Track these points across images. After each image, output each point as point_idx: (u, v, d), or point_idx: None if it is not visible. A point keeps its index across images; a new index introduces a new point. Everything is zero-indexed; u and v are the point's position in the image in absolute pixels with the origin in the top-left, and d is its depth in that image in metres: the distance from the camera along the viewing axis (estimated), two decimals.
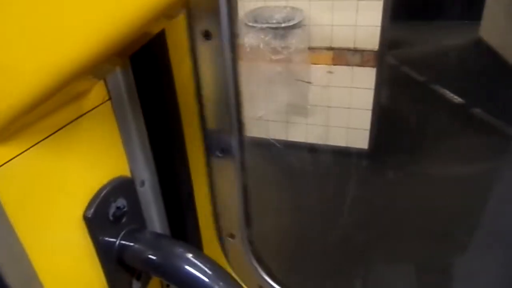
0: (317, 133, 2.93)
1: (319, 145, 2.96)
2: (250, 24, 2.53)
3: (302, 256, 2.17)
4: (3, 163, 0.35)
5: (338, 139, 2.91)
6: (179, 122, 0.54)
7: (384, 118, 2.86)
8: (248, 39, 2.57)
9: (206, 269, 0.50)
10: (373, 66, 2.67)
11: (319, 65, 2.77)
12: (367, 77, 2.70)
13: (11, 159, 0.36)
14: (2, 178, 0.35)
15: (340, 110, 2.83)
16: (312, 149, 2.98)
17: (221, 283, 0.50)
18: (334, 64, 2.73)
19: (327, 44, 2.69)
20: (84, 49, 0.29)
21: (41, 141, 0.39)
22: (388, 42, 2.61)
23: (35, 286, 0.40)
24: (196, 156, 0.57)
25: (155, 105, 0.52)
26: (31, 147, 0.38)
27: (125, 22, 0.28)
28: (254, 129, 3.03)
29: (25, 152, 0.37)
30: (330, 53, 2.72)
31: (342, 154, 2.93)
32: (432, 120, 3.15)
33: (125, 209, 0.50)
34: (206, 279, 0.49)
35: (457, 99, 3.34)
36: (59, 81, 0.31)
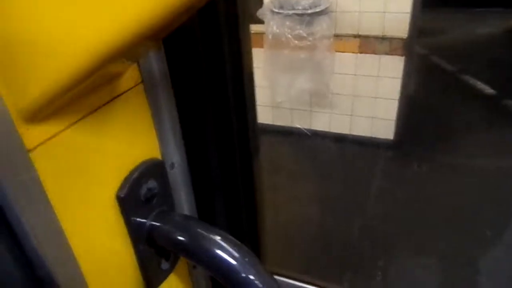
0: (341, 123, 2.90)
1: (343, 134, 2.93)
2: (276, 10, 2.50)
3: (326, 246, 2.17)
4: (41, 142, 0.36)
5: (363, 129, 2.87)
6: (210, 107, 0.54)
7: (411, 108, 2.80)
8: (273, 25, 2.54)
9: (234, 252, 0.50)
10: (401, 55, 2.60)
11: (344, 53, 2.72)
12: (394, 66, 2.64)
13: (49, 138, 0.37)
14: (41, 156, 0.36)
15: (366, 100, 2.78)
16: (335, 138, 2.95)
17: (248, 266, 0.50)
18: (361, 52, 2.67)
19: (354, 32, 2.64)
20: (121, 30, 0.30)
21: (77, 121, 0.40)
22: (418, 30, 2.53)
23: (70, 261, 0.41)
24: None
25: (187, 89, 0.52)
26: (68, 127, 0.39)
27: (165, 3, 0.28)
28: (276, 117, 3.03)
29: (62, 132, 0.38)
30: (357, 40, 2.66)
31: (366, 144, 2.89)
32: (461, 111, 3.06)
33: (155, 191, 0.51)
34: (234, 262, 0.50)
35: (488, 89, 3.22)
36: (95, 62, 0.31)
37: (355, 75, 2.74)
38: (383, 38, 2.56)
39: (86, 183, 0.42)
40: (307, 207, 2.43)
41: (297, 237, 2.23)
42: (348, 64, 2.71)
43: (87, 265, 0.43)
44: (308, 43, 2.51)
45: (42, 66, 0.32)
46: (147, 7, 0.29)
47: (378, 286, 1.96)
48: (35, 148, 0.36)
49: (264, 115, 3.00)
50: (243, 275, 0.49)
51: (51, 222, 0.38)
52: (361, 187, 2.52)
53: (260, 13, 2.53)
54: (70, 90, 0.34)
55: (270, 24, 2.52)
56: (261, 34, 2.58)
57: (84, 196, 0.42)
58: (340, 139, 2.92)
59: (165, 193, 0.54)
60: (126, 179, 0.47)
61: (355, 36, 2.63)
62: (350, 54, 2.69)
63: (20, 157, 0.34)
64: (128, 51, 0.34)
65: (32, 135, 0.35)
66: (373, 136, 2.86)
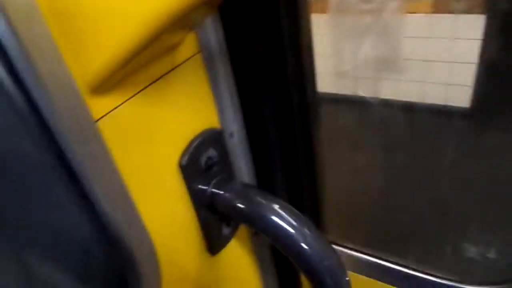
0: (412, 90, 2.72)
1: (414, 103, 2.76)
2: None
3: (390, 219, 2.11)
4: (107, 112, 0.39)
5: (435, 97, 2.68)
6: (268, 75, 0.53)
7: (491, 73, 2.54)
8: None
9: (293, 221, 0.51)
10: (481, 13, 2.34)
11: (416, 14, 2.52)
12: (473, 26, 2.39)
13: (114, 109, 0.39)
14: (107, 125, 0.38)
15: (439, 64, 2.58)
16: (404, 107, 2.79)
17: (307, 236, 0.50)
18: (434, 12, 2.46)
19: None
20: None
21: (139, 91, 0.41)
22: None
23: (137, 223, 0.44)
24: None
25: (244, 57, 0.52)
26: (131, 97, 0.40)
27: None
28: (340, 85, 2.93)
29: (126, 102, 0.40)
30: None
31: (439, 112, 2.70)
32: None
33: (215, 159, 0.52)
34: (292, 231, 0.50)
35: None
36: (154, 30, 0.32)
37: (427, 37, 2.53)
38: None
39: (150, 151, 0.44)
40: (372, 178, 2.36)
41: (359, 209, 2.19)
42: (419, 26, 2.51)
43: (153, 228, 0.46)
44: (375, 5, 2.36)
45: (105, 37, 0.33)
46: None
47: (447, 262, 1.88)
48: (101, 118, 0.38)
49: (327, 84, 2.91)
50: (302, 244, 0.50)
51: (119, 187, 0.41)
52: (432, 159, 2.38)
53: None
54: (132, 60, 0.35)
55: None
56: None
57: (148, 163, 0.45)
58: (409, 108, 2.75)
59: (225, 162, 0.55)
60: (187, 148, 0.49)
61: None
62: (422, 15, 2.48)
63: (88, 127, 0.37)
64: (185, 18, 0.34)
65: (98, 105, 0.37)
66: (447, 104, 2.66)
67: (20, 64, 0.33)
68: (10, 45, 0.32)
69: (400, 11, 2.42)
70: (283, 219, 0.51)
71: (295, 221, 0.51)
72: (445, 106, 2.68)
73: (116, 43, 0.33)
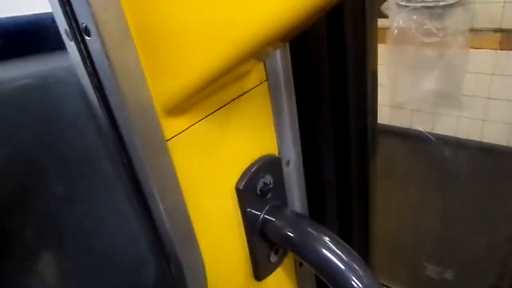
0: (471, 128, 2.59)
1: (472, 141, 2.62)
2: (403, 3, 2.34)
3: (440, 261, 1.99)
4: (178, 133, 0.40)
5: (497, 137, 2.52)
6: (330, 105, 0.53)
7: None
8: (398, 19, 2.38)
9: (343, 256, 0.49)
10: None
11: (481, 50, 2.42)
12: None
13: (184, 130, 0.41)
14: (176, 145, 0.40)
15: (504, 103, 2.44)
16: (462, 144, 2.65)
17: (357, 273, 0.49)
18: (502, 49, 2.35)
19: (495, 25, 2.32)
20: (257, 34, 0.31)
21: (207, 116, 0.43)
22: None
23: (192, 242, 0.45)
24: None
25: (308, 87, 0.52)
26: (199, 120, 0.42)
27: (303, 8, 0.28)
28: (394, 117, 2.85)
29: (195, 125, 0.42)
30: (498, 35, 2.34)
31: (500, 153, 2.54)
32: None
33: (271, 186, 0.53)
34: (342, 266, 0.49)
35: None
36: (232, 62, 0.33)
37: (492, 74, 2.41)
38: None
39: (211, 172, 0.46)
40: (424, 217, 2.25)
41: (409, 248, 2.09)
42: (484, 63, 2.41)
43: (205, 247, 0.47)
44: (438, 39, 2.29)
45: (188, 63, 0.35)
46: (289, 7, 0.29)
47: None
48: (172, 138, 0.40)
49: (382, 115, 2.85)
50: (352, 281, 0.48)
51: (180, 205, 0.42)
52: (492, 201, 2.23)
53: (384, 7, 2.40)
54: (208, 86, 0.37)
55: (395, 19, 2.37)
56: (384, 29, 2.44)
57: (208, 184, 0.46)
58: (467, 146, 2.61)
59: (279, 189, 0.55)
60: (245, 172, 0.50)
61: (495, 31, 2.32)
62: (488, 51, 2.38)
63: (160, 145, 0.39)
64: (261, 51, 0.35)
65: (170, 126, 0.39)
66: (510, 145, 2.50)
67: (106, 83, 0.36)
68: (101, 64, 0.34)
69: (465, 46, 2.33)
70: (333, 253, 0.50)
71: (346, 256, 0.50)
72: (508, 148, 2.52)
73: (197, 70, 0.35)
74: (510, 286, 1.83)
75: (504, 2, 2.23)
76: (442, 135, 2.68)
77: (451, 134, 2.67)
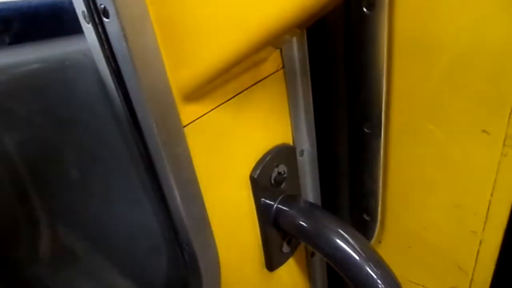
0: None
1: None
2: None
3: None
4: (194, 119, 0.40)
5: None
6: (345, 97, 0.53)
7: None
8: None
9: (357, 246, 0.49)
10: None
11: None
12: None
13: (200, 116, 0.40)
14: (193, 131, 0.40)
15: None
16: None
17: (371, 264, 0.48)
18: None
19: None
20: (274, 21, 0.30)
21: (223, 103, 0.42)
22: None
23: (206, 229, 0.45)
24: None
25: (324, 77, 0.51)
26: (216, 107, 0.42)
27: None
28: None
29: (211, 112, 0.41)
30: None
31: None
32: None
33: (285, 175, 0.52)
34: (356, 256, 0.49)
35: None
36: (252, 47, 0.33)
37: None
38: None
39: (226, 160, 0.45)
40: None
41: None
42: None
43: (219, 235, 0.46)
44: None
45: (206, 48, 0.34)
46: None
47: None
48: (189, 124, 0.39)
49: None
50: (366, 271, 0.48)
51: (196, 192, 0.42)
52: None
53: None
54: (225, 72, 0.36)
55: None
56: None
57: (223, 172, 0.46)
58: None
59: (293, 179, 0.55)
60: (260, 161, 0.49)
61: None
62: None
63: (177, 131, 0.38)
64: (279, 38, 0.35)
65: (187, 112, 0.39)
66: None
67: (124, 66, 0.35)
68: (119, 48, 0.34)
69: None
70: (347, 243, 0.49)
71: (359, 246, 0.49)
72: None
73: (215, 56, 0.34)
74: None
75: None
76: None
77: None
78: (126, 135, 0.40)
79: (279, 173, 0.51)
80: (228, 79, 0.41)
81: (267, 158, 0.49)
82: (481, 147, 0.45)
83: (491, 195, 0.47)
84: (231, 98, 0.43)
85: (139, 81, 0.34)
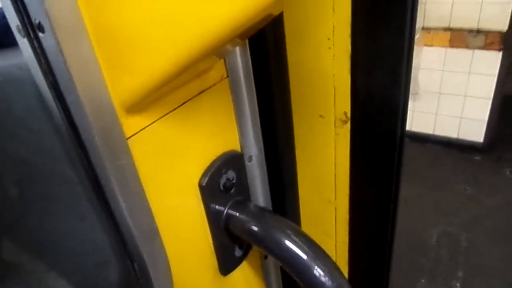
0: (424, 122, 2.73)
1: (426, 134, 2.76)
2: None
3: (399, 251, 2.08)
4: (138, 130, 0.40)
5: (449, 130, 2.67)
6: (288, 104, 0.55)
7: (506, 109, 2.54)
8: None
9: (305, 247, 0.51)
10: (498, 50, 2.36)
11: (432, 47, 2.54)
12: (490, 61, 2.41)
13: (145, 128, 0.41)
14: (137, 143, 0.40)
15: (454, 98, 2.59)
16: (416, 138, 2.78)
17: (320, 263, 0.50)
18: (452, 47, 2.48)
19: (444, 24, 2.45)
20: (214, 32, 0.32)
21: (168, 113, 0.43)
22: None
23: (156, 239, 0.45)
24: (302, 138, 0.59)
25: (268, 85, 0.53)
26: (160, 117, 0.42)
27: (255, 6, 0.29)
28: None
29: (155, 122, 0.42)
30: (448, 33, 2.47)
31: (452, 146, 2.69)
32: None
33: (234, 181, 0.53)
34: (305, 256, 0.51)
35: None
36: (190, 59, 0.34)
37: (443, 71, 2.55)
38: (478, 31, 2.35)
39: (173, 170, 0.46)
40: None
41: None
42: (436, 59, 2.54)
43: (169, 244, 0.47)
44: None
45: (147, 59, 0.35)
46: (242, 11, 0.30)
47: None
48: (132, 136, 0.39)
49: None
50: (315, 271, 0.50)
51: (143, 204, 0.42)
52: (443, 192, 2.36)
53: None
54: (166, 83, 0.37)
55: None
56: None
57: (170, 182, 0.46)
58: (421, 139, 2.75)
59: (242, 184, 0.56)
60: (208, 169, 0.50)
61: (445, 29, 2.45)
62: (439, 48, 2.51)
63: (121, 144, 0.38)
64: (219, 49, 0.36)
65: (130, 124, 0.39)
66: (460, 138, 2.65)
67: (62, 80, 0.35)
68: (56, 62, 0.34)
69: (418, 43, 2.45)
70: (296, 245, 0.51)
71: (309, 247, 0.51)
72: (458, 140, 2.68)
73: (157, 67, 0.34)
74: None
75: (453, 2, 2.36)
76: None
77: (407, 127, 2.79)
78: (68, 149, 0.39)
79: (228, 179, 0.52)
80: (171, 90, 0.41)
81: (215, 165, 0.50)
82: (321, 128, 0.57)
83: (335, 168, 0.59)
84: (176, 108, 0.44)
85: (78, 95, 0.34)
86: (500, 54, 2.35)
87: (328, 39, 0.49)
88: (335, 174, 0.59)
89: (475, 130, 2.59)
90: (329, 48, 0.50)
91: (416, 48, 2.45)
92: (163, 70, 0.35)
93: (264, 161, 0.59)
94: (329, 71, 0.52)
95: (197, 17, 0.31)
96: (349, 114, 0.54)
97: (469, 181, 2.42)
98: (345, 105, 0.53)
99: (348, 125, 0.55)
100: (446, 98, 2.61)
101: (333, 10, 0.46)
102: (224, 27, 0.31)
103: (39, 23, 0.32)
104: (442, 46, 2.50)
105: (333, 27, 0.47)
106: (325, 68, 0.51)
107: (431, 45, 2.53)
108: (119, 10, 0.33)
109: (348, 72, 0.50)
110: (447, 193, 2.34)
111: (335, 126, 0.55)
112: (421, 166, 2.56)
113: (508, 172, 2.45)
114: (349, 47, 0.48)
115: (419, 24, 2.41)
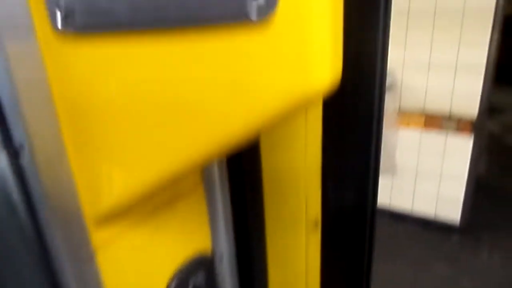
0: (402, 200, 2.77)
1: (404, 213, 2.78)
2: None
3: None
4: (106, 242, 0.40)
5: (426, 209, 2.71)
6: (262, 209, 0.56)
7: (480, 190, 2.62)
8: None
9: None
10: (470, 133, 2.49)
11: (409, 129, 2.67)
12: (462, 144, 2.52)
13: (113, 238, 0.41)
14: (104, 255, 0.40)
15: (430, 177, 2.66)
16: (394, 215, 2.81)
17: None
18: (426, 129, 2.61)
19: (419, 108, 2.60)
20: (199, 154, 0.33)
21: (139, 221, 0.44)
22: (488, 108, 2.43)
23: None
24: (272, 238, 0.59)
25: (242, 191, 0.55)
26: (130, 228, 0.43)
27: (241, 133, 0.31)
28: None
29: (124, 232, 0.42)
30: (422, 117, 2.61)
31: (429, 225, 2.71)
32: None
33: (203, 283, 0.53)
34: None
35: None
36: (169, 176, 0.35)
37: (419, 151, 2.65)
38: (450, 118, 2.49)
39: (141, 277, 0.45)
40: None
41: None
42: (412, 140, 2.65)
43: None
44: None
45: (123, 174, 0.36)
46: (227, 138, 0.32)
47: None
48: (100, 247, 0.40)
49: None
50: None
51: None
52: (422, 272, 2.33)
53: None
54: (141, 197, 0.38)
55: None
56: None
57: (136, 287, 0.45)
58: (400, 217, 2.77)
59: (212, 285, 0.55)
60: (177, 273, 0.49)
61: (420, 113, 2.59)
62: (415, 129, 2.63)
63: (87, 256, 0.38)
64: (199, 165, 0.38)
65: (99, 236, 0.39)
66: (438, 216, 2.68)
67: (35, 196, 0.36)
68: (33, 181, 0.35)
69: (394, 125, 2.57)
70: None
71: None
72: (435, 219, 2.71)
73: (133, 182, 0.36)
74: None
75: (426, 90, 2.52)
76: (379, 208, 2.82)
77: (384, 205, 2.83)
78: (36, 260, 0.39)
79: (196, 283, 0.52)
80: (144, 200, 0.42)
81: (184, 269, 0.50)
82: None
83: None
84: (147, 217, 0.44)
85: (49, 208, 0.35)
86: (472, 137, 2.47)
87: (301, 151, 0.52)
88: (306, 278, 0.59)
89: (451, 210, 2.63)
90: (302, 159, 0.53)
91: (392, 130, 2.56)
92: (142, 185, 0.36)
93: (235, 263, 0.59)
94: (301, 179, 0.54)
95: (179, 141, 0.33)
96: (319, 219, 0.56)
97: (448, 262, 2.41)
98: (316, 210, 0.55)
99: (319, 229, 0.56)
100: (422, 177, 2.68)
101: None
102: (209, 151, 0.33)
103: (21, 144, 0.34)
104: (417, 128, 2.63)
105: (306, 145, 0.50)
106: (297, 176, 0.54)
107: (407, 126, 2.65)
108: (98, 131, 0.35)
109: (319, 181, 0.53)
110: (424, 274, 2.31)
111: (306, 231, 0.56)
112: (399, 245, 2.55)
113: (486, 254, 2.46)
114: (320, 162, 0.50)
115: (395, 106, 2.55)
